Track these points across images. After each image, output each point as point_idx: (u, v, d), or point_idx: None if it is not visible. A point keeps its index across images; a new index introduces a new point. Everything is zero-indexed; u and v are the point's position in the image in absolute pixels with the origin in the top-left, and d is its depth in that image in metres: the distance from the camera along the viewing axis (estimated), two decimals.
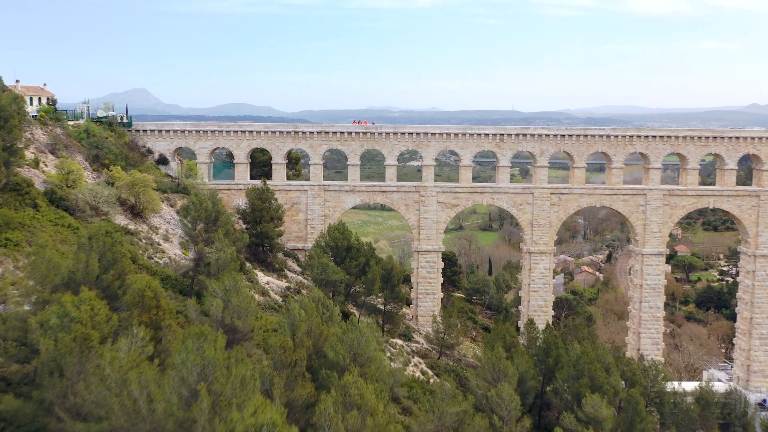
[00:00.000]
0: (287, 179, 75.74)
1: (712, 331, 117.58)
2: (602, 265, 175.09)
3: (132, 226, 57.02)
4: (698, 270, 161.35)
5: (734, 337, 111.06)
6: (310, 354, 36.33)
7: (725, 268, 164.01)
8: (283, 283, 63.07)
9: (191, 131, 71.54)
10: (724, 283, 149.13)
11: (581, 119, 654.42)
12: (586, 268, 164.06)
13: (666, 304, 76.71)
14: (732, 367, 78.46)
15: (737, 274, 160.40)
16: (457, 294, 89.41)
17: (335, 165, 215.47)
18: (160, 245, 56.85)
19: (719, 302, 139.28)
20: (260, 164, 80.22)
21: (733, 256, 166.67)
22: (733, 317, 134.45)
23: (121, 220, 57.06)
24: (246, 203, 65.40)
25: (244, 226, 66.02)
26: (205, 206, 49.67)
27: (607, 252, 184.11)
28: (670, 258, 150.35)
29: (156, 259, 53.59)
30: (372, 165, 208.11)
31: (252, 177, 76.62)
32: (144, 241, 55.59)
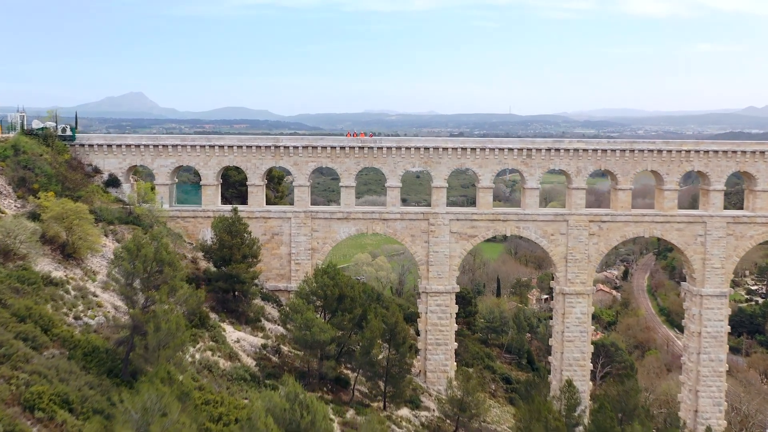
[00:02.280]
0: (268, 203, 62.59)
1: (753, 364, 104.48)
2: (618, 282, 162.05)
3: (59, 273, 43.57)
4: None
5: None
6: None
7: (753, 287, 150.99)
8: (259, 340, 49.91)
9: (148, 146, 58.19)
10: (755, 304, 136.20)
11: (579, 122, 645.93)
12: (602, 286, 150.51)
13: None
14: None
15: (767, 294, 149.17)
16: (471, 336, 76.10)
17: (332, 172, 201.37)
18: (95, 297, 43.42)
19: (752, 327, 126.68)
20: (235, 184, 67.11)
21: (762, 273, 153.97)
22: None
23: (45, 264, 43.61)
24: (212, 237, 52.26)
25: (210, 265, 52.97)
26: (144, 253, 36.44)
27: (623, 268, 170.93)
28: None
29: (86, 318, 40.17)
30: (369, 172, 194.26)
31: (225, 200, 63.52)
32: (73, 293, 42.08)
